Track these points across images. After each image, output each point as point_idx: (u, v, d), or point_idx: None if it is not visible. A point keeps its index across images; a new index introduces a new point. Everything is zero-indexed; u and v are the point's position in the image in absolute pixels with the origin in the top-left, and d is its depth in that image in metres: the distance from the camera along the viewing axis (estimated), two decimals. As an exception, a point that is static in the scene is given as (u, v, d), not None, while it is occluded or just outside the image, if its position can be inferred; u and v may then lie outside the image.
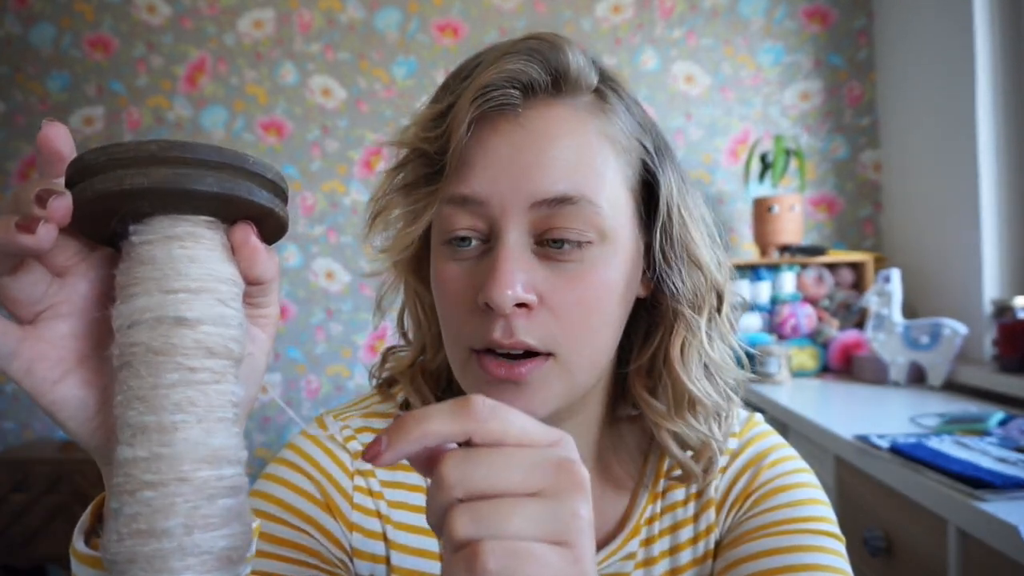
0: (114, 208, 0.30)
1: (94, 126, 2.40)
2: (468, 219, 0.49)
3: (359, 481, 0.57)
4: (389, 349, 0.64)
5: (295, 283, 2.39)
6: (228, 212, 0.32)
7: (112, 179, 0.29)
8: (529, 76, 0.49)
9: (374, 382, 0.63)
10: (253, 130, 2.40)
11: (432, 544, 0.57)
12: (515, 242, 0.48)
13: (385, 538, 0.56)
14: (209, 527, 0.29)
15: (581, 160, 0.49)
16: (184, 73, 2.40)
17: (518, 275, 0.47)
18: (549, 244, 0.49)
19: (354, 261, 2.39)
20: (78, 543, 0.37)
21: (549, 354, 0.49)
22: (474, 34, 2.38)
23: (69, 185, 0.30)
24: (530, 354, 0.49)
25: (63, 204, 0.29)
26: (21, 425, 2.39)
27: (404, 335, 0.63)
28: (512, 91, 0.48)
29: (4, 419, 2.39)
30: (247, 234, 0.33)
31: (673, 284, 0.54)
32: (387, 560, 0.56)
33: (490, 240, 0.50)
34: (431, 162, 0.50)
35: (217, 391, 0.31)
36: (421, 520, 0.57)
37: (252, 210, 0.32)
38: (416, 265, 0.58)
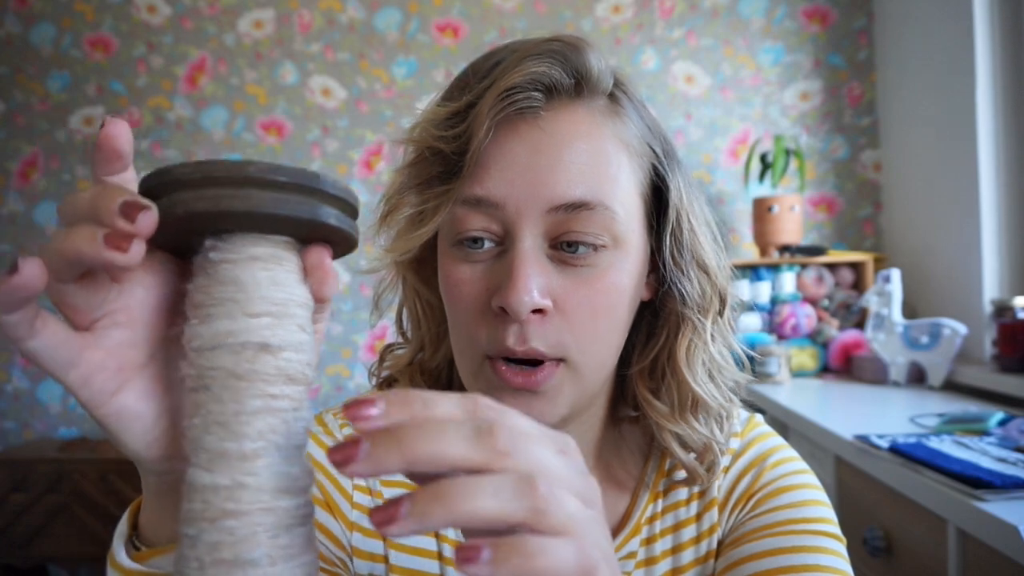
0: (199, 226, 0.30)
1: (94, 126, 2.40)
2: (482, 220, 0.49)
3: (358, 480, 0.57)
4: (387, 347, 0.64)
5: (295, 283, 2.39)
6: (307, 234, 0.32)
7: (207, 198, 0.28)
8: (552, 78, 0.49)
9: (374, 381, 0.63)
10: (253, 130, 2.40)
11: (430, 543, 0.57)
12: (531, 246, 0.48)
13: (384, 536, 0.57)
14: (289, 557, 0.29)
15: (597, 165, 0.49)
16: (184, 73, 2.40)
17: (535, 280, 0.47)
18: (563, 248, 0.49)
19: (354, 261, 2.39)
20: (120, 556, 0.36)
21: (560, 360, 0.49)
22: (474, 34, 2.39)
23: (149, 196, 0.28)
24: (541, 359, 0.49)
25: (151, 220, 0.28)
26: (21, 425, 2.39)
27: (403, 333, 0.63)
28: (535, 94, 0.48)
29: (4, 419, 2.39)
30: (323, 257, 0.33)
31: (681, 288, 0.54)
32: (386, 559, 0.56)
33: (504, 243, 0.50)
34: (446, 161, 0.50)
35: (295, 418, 0.30)
36: None
37: (332, 234, 0.32)
38: (416, 265, 0.58)
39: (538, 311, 0.48)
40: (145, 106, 2.40)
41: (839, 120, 2.34)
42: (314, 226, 0.30)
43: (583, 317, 0.49)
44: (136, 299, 0.32)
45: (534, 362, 0.49)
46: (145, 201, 0.28)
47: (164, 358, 0.34)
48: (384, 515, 0.25)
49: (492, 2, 2.38)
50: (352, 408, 0.27)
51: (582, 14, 2.36)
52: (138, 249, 0.28)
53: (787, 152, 2.13)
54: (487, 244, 0.50)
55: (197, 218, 0.29)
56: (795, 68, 2.34)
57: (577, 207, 0.48)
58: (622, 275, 0.51)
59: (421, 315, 0.59)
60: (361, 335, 2.39)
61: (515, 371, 0.49)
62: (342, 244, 0.33)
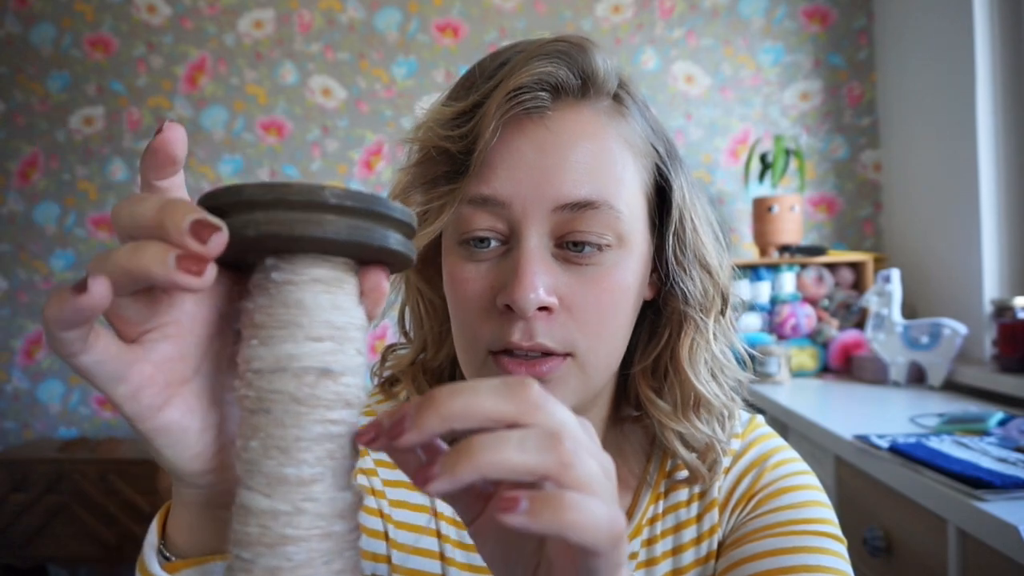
0: (267, 248, 0.29)
1: (94, 126, 2.40)
2: (488, 220, 0.49)
3: (361, 480, 0.57)
4: (389, 347, 0.64)
5: (295, 283, 2.39)
6: (368, 256, 0.32)
7: (281, 222, 0.28)
8: (558, 78, 0.49)
9: (376, 381, 0.63)
10: (253, 130, 2.40)
11: (429, 543, 0.57)
12: (536, 244, 0.48)
13: (386, 537, 0.57)
14: None
15: (602, 164, 0.50)
16: (184, 73, 2.40)
17: (541, 278, 0.47)
18: (569, 247, 0.49)
19: (354, 261, 2.39)
20: (153, 566, 0.36)
21: (567, 354, 0.49)
22: (474, 34, 2.39)
23: (216, 214, 0.28)
24: (547, 353, 0.49)
25: (222, 241, 0.26)
26: (21, 425, 2.39)
27: (405, 333, 0.63)
28: (542, 94, 0.49)
29: (4, 419, 2.39)
30: (381, 280, 0.33)
31: (684, 287, 0.54)
32: (388, 559, 0.56)
33: (509, 242, 0.50)
34: (452, 160, 0.50)
35: (349, 444, 0.30)
36: (420, 519, 0.58)
37: (392, 257, 0.32)
38: (420, 264, 0.58)
39: (544, 309, 0.48)
40: (145, 106, 2.40)
41: (839, 120, 2.34)
42: (379, 251, 0.30)
43: (589, 316, 0.49)
44: (187, 312, 0.31)
45: (540, 355, 0.49)
46: (216, 221, 0.27)
47: (209, 372, 0.33)
48: (422, 476, 0.27)
49: (492, 2, 2.38)
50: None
51: (582, 14, 2.36)
52: (211, 273, 0.27)
53: (787, 152, 2.13)
54: (493, 244, 0.50)
55: (269, 240, 0.28)
56: (795, 68, 2.34)
57: (582, 206, 0.48)
58: (626, 274, 0.51)
59: (424, 314, 0.59)
60: (361, 335, 2.39)
61: (519, 362, 0.49)
62: (398, 265, 0.34)
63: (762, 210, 2.12)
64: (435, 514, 0.58)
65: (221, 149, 2.40)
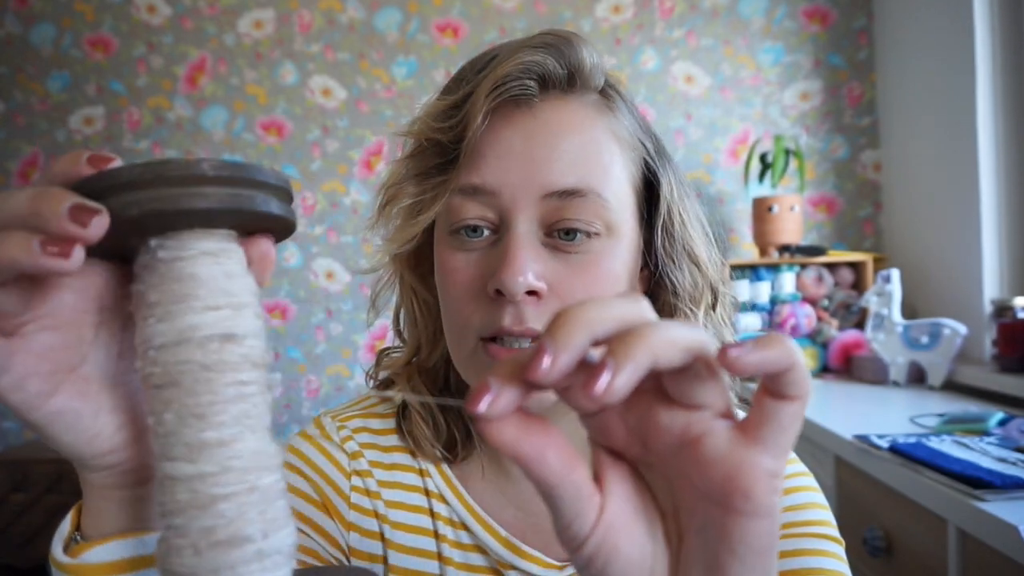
0: (150, 226, 0.30)
1: (94, 126, 2.40)
2: (478, 209, 0.50)
3: (356, 481, 0.57)
4: (383, 351, 0.64)
5: (295, 283, 2.39)
6: (250, 224, 0.32)
7: (163, 198, 0.28)
8: (546, 68, 0.50)
9: (371, 383, 0.64)
10: (253, 130, 2.40)
11: (426, 543, 0.57)
12: (526, 231, 0.49)
13: (382, 537, 0.57)
14: (278, 528, 0.31)
15: (590, 154, 0.50)
16: (184, 73, 2.40)
17: (530, 263, 0.48)
18: (558, 235, 0.50)
19: (354, 261, 2.39)
20: (58, 553, 0.36)
21: None
22: (474, 34, 2.39)
23: (92, 199, 0.28)
24: (537, 339, 0.49)
25: (103, 224, 0.27)
26: (21, 425, 2.39)
27: (399, 334, 0.63)
28: (529, 82, 0.50)
29: (4, 419, 2.39)
30: (269, 247, 0.34)
31: (672, 279, 0.55)
32: (385, 559, 0.56)
33: (499, 231, 0.50)
34: (444, 152, 0.51)
35: (263, 401, 0.32)
36: (418, 520, 0.58)
37: (275, 223, 0.33)
38: (414, 261, 0.59)
39: (533, 293, 0.48)
40: (145, 106, 2.40)
41: (839, 120, 2.34)
42: (262, 216, 0.31)
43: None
44: (64, 303, 0.31)
45: (530, 341, 0.49)
46: (95, 205, 0.27)
47: (101, 359, 0.34)
48: (591, 385, 0.25)
49: (492, 2, 2.38)
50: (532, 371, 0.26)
51: (582, 14, 2.36)
52: (79, 255, 0.27)
53: (787, 152, 2.13)
54: (483, 233, 0.50)
55: (153, 218, 0.28)
56: (795, 68, 2.34)
57: (571, 194, 0.49)
58: (615, 263, 0.51)
59: (418, 313, 0.60)
60: (361, 335, 2.39)
61: (508, 349, 0.49)
62: (282, 232, 0.34)
63: (762, 210, 2.12)
64: (432, 514, 0.58)
65: (221, 149, 2.40)
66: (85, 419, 0.33)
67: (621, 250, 0.52)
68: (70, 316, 0.32)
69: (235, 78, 2.40)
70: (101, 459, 0.34)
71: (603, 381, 0.25)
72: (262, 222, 0.32)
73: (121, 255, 0.32)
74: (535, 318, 0.48)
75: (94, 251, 0.29)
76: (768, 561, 0.29)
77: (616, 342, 0.26)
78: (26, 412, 0.31)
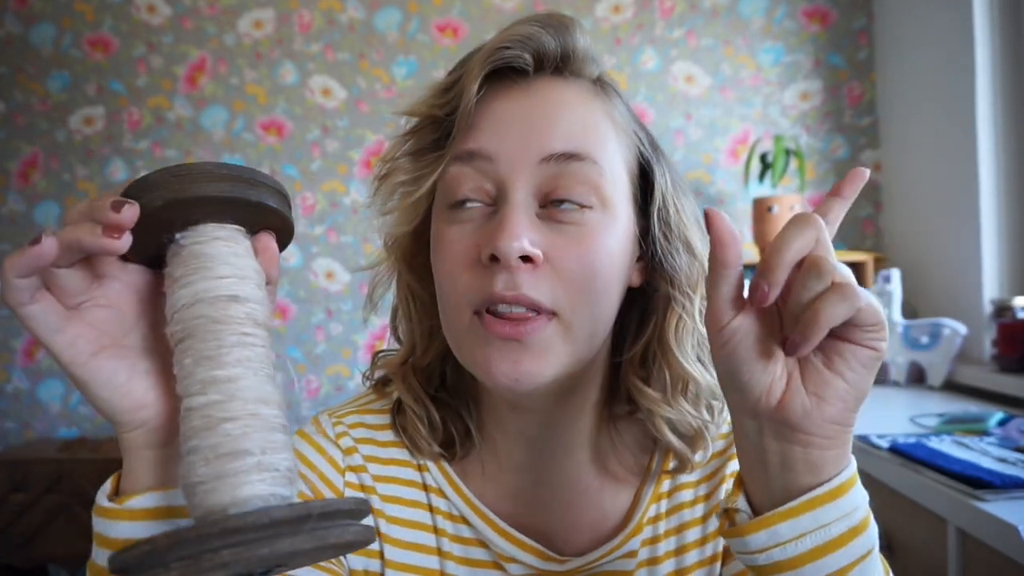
0: (172, 218, 0.38)
1: (94, 126, 2.40)
2: (475, 178, 0.50)
3: (351, 477, 0.58)
4: (378, 352, 0.64)
5: (295, 283, 2.39)
6: (255, 220, 0.40)
7: (177, 189, 0.36)
8: (540, 43, 0.51)
9: (367, 384, 0.64)
10: (253, 130, 2.40)
11: (424, 538, 0.57)
12: (523, 199, 0.49)
13: (378, 532, 0.57)
14: (276, 450, 0.36)
15: (587, 127, 0.51)
16: (184, 73, 2.40)
17: (526, 230, 0.48)
18: (553, 205, 0.50)
19: (354, 261, 2.39)
20: (102, 500, 0.42)
21: (552, 313, 0.49)
22: (474, 34, 2.38)
23: (132, 199, 0.36)
24: (531, 308, 0.49)
25: (135, 211, 0.36)
26: (21, 425, 2.39)
27: (395, 330, 0.63)
28: (524, 54, 0.50)
29: (4, 419, 2.39)
30: (269, 240, 0.42)
31: (669, 265, 0.55)
32: (380, 554, 0.57)
33: (496, 203, 0.50)
34: (441, 127, 0.52)
35: (263, 352, 0.38)
36: (414, 514, 0.58)
37: (273, 218, 0.41)
38: (411, 254, 0.59)
39: (528, 261, 0.48)
40: (145, 106, 2.40)
41: (839, 120, 2.34)
42: (260, 210, 0.39)
43: (575, 274, 0.49)
44: (114, 290, 0.41)
45: (524, 310, 0.48)
46: (128, 199, 0.36)
47: (140, 339, 0.42)
48: (790, 343, 0.38)
49: (492, 2, 2.38)
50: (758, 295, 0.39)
51: (582, 14, 2.36)
52: (127, 239, 0.36)
53: (787, 152, 2.13)
54: (479, 204, 0.51)
55: (172, 207, 0.37)
56: (795, 68, 2.34)
57: (568, 157, 0.49)
58: (610, 239, 0.51)
59: (413, 312, 0.60)
60: (361, 335, 2.39)
61: (503, 322, 0.48)
62: (283, 232, 0.43)
63: (762, 210, 2.12)
64: (431, 509, 0.58)
65: (221, 149, 2.40)
66: (120, 376, 0.40)
67: (617, 229, 0.52)
68: (117, 300, 0.41)
69: (235, 78, 2.40)
70: (134, 414, 0.41)
71: (794, 343, 0.38)
72: (263, 215, 0.40)
73: (157, 257, 0.40)
74: (530, 286, 0.48)
75: (136, 252, 0.38)
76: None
77: (805, 321, 0.38)
78: (74, 367, 0.39)
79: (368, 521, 0.56)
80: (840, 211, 0.43)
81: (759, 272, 0.39)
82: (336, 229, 2.40)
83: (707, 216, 0.41)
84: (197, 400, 0.36)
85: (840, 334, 0.39)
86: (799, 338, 0.37)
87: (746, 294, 0.41)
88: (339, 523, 0.34)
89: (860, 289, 0.38)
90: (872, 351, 0.39)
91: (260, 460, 0.35)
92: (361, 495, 0.57)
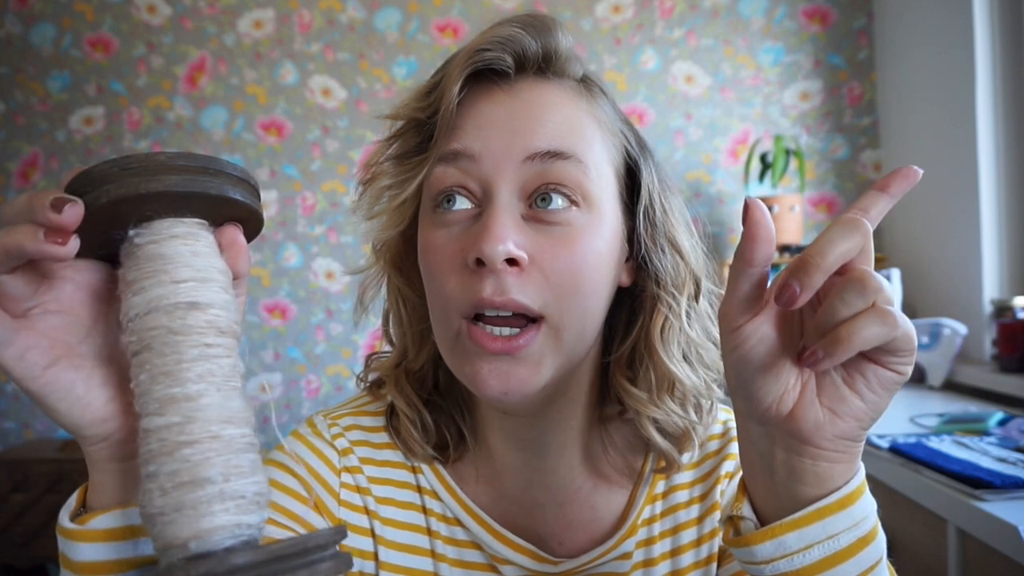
0: (123, 214, 0.34)
1: (94, 126, 2.40)
2: (459, 178, 0.50)
3: (346, 478, 0.57)
4: (371, 355, 0.64)
5: (295, 283, 2.39)
6: (218, 213, 0.36)
7: (126, 186, 0.32)
8: (521, 44, 0.51)
9: (362, 387, 0.64)
10: (253, 130, 2.40)
11: (419, 540, 0.57)
12: (507, 201, 0.49)
13: (373, 534, 0.57)
14: (241, 475, 0.33)
15: (572, 127, 0.51)
16: (184, 73, 2.40)
17: (511, 233, 0.47)
18: (538, 205, 0.49)
19: (354, 261, 2.39)
20: (65, 521, 0.39)
21: (540, 318, 0.49)
22: (474, 34, 2.36)
23: (76, 195, 0.33)
24: (520, 320, 0.48)
25: (78, 211, 0.32)
26: (21, 425, 2.39)
27: (387, 333, 0.63)
28: (504, 55, 0.50)
29: (4, 419, 2.39)
30: (236, 234, 0.38)
31: (654, 265, 0.55)
32: (375, 556, 0.57)
33: (480, 204, 0.50)
34: (424, 130, 0.52)
35: (228, 364, 0.35)
36: (409, 516, 0.58)
37: (239, 210, 0.37)
38: (400, 260, 0.59)
39: (514, 264, 0.47)
40: (145, 106, 2.40)
41: (839, 120, 2.34)
42: (223, 202, 0.35)
43: (561, 276, 0.49)
44: (64, 293, 0.37)
45: (513, 327, 0.48)
46: (70, 196, 0.32)
47: (97, 343, 0.38)
48: (811, 355, 0.36)
49: (492, 2, 2.38)
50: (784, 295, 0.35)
51: (582, 14, 2.36)
52: (74, 243, 0.33)
53: (787, 152, 2.13)
54: (464, 204, 0.50)
55: (120, 204, 0.33)
56: (795, 68, 2.34)
57: (552, 155, 0.49)
58: (597, 240, 0.51)
59: (404, 316, 0.59)
60: (361, 335, 2.39)
61: (493, 337, 0.48)
62: (252, 222, 0.39)
63: (762, 210, 2.12)
64: (424, 511, 0.58)
65: (221, 149, 2.40)
66: (78, 388, 0.37)
67: (603, 229, 0.51)
68: (69, 304, 0.37)
69: (235, 78, 2.40)
70: (95, 428, 0.38)
71: (814, 357, 0.36)
72: (225, 208, 0.36)
73: (111, 252, 0.36)
74: (518, 289, 0.47)
75: (88, 248, 0.35)
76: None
77: (831, 338, 0.35)
78: (27, 381, 0.36)
79: (348, 541, 0.56)
80: (884, 208, 0.38)
81: (792, 270, 0.35)
82: (336, 229, 2.40)
83: (746, 206, 0.38)
84: (154, 421, 0.33)
85: (867, 353, 0.37)
86: (823, 353, 0.35)
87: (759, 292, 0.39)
88: (308, 560, 0.31)
89: (899, 314, 0.35)
90: (897, 375, 0.37)
91: (223, 489, 0.32)
92: (357, 497, 0.57)
